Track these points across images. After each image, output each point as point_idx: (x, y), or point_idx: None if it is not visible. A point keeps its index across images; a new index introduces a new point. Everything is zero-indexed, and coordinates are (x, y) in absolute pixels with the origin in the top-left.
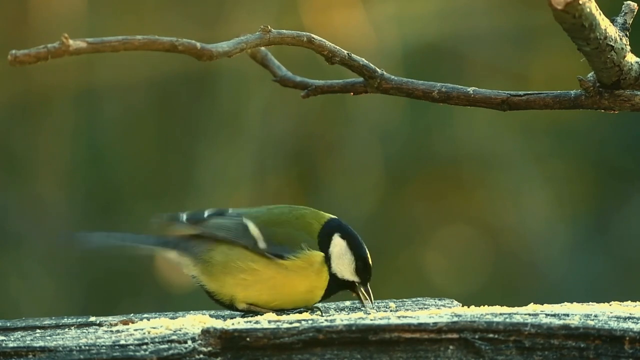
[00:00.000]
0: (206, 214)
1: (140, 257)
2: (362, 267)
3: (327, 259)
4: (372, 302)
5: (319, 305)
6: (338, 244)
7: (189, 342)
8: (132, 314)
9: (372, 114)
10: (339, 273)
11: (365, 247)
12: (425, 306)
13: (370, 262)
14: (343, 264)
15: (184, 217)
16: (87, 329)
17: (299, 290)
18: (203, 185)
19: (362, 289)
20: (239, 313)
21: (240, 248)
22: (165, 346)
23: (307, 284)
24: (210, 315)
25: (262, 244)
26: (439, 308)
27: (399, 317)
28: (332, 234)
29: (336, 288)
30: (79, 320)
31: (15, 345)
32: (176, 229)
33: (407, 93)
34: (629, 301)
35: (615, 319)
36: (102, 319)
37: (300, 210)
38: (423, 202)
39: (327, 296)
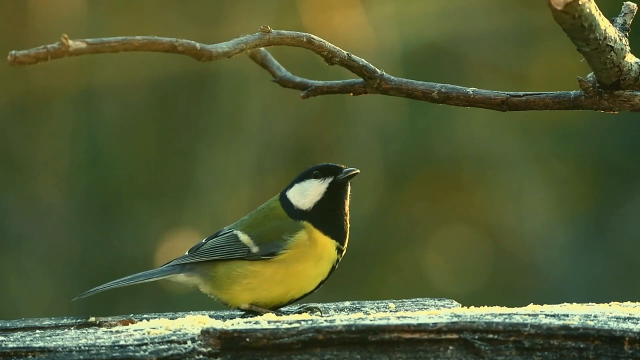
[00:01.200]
0: (204, 240)
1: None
2: (319, 174)
3: (304, 217)
4: (355, 170)
5: (319, 305)
6: (290, 194)
7: (189, 342)
8: (131, 314)
9: (372, 114)
10: (315, 203)
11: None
12: (425, 306)
13: (318, 165)
14: (308, 195)
15: (187, 252)
16: (86, 330)
17: (308, 270)
18: (203, 185)
19: (341, 178)
20: (239, 313)
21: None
22: (165, 346)
23: (311, 261)
24: (210, 316)
25: (254, 249)
26: (438, 308)
27: (398, 317)
28: (285, 198)
29: (335, 211)
30: (79, 320)
31: (15, 345)
32: (176, 262)
33: (406, 93)
34: (629, 301)
35: (615, 319)
36: (102, 319)
37: (267, 206)
38: (423, 202)
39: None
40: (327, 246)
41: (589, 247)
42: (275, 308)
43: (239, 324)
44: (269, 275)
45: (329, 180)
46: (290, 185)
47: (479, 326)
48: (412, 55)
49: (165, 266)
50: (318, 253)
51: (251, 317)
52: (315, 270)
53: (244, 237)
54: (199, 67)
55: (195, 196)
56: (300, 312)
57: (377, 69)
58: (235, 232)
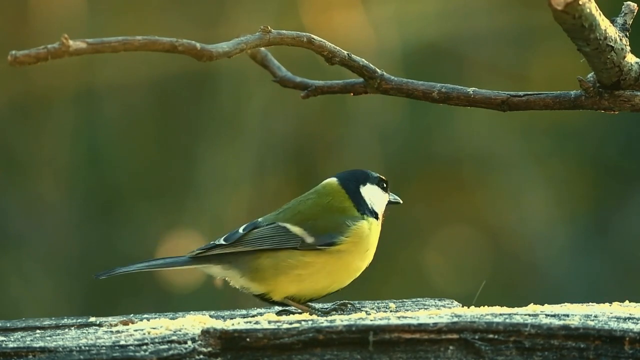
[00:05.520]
0: (241, 230)
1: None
2: (385, 187)
3: (368, 211)
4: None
5: (355, 303)
6: (365, 193)
7: (189, 342)
8: (132, 314)
9: (372, 114)
10: (379, 210)
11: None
12: (425, 306)
13: (380, 176)
14: (377, 201)
15: (221, 240)
16: (87, 330)
17: (356, 262)
18: (203, 185)
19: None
20: (239, 313)
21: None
22: (165, 346)
23: (361, 253)
24: (210, 316)
25: (309, 239)
26: (439, 308)
27: (399, 317)
28: (358, 194)
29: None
30: (79, 320)
31: (15, 345)
32: (216, 252)
33: (407, 93)
34: (629, 301)
35: (615, 319)
36: (102, 319)
37: (322, 198)
38: (423, 202)
39: None
40: (375, 241)
41: (589, 247)
42: (311, 301)
43: (239, 324)
44: (319, 266)
45: (388, 195)
46: (358, 181)
47: (479, 326)
48: (412, 55)
49: (200, 255)
50: (370, 244)
51: (252, 317)
52: (360, 263)
53: (295, 229)
54: (199, 67)
55: (196, 196)
56: (335, 309)
57: (377, 69)
58: (282, 224)
